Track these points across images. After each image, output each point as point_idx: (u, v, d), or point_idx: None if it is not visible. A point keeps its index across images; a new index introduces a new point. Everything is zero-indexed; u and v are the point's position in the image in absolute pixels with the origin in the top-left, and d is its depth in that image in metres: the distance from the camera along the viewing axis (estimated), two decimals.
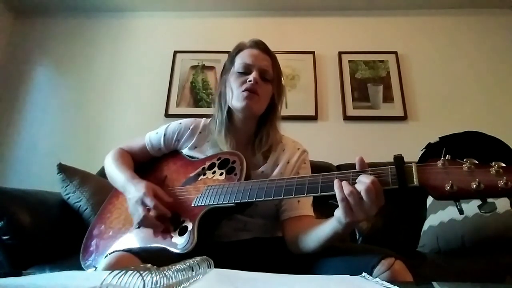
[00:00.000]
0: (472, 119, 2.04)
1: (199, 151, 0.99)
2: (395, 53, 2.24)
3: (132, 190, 0.87)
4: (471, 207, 1.10)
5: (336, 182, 0.64)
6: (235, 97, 0.94)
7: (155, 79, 2.26)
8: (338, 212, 0.65)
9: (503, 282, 1.04)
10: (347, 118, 2.10)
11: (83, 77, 2.29)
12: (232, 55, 1.01)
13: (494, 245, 1.16)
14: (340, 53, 2.25)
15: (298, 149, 1.00)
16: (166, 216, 0.82)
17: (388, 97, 2.14)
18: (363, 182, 0.61)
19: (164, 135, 1.03)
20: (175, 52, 2.30)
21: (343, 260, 0.70)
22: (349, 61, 2.24)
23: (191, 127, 1.02)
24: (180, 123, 1.04)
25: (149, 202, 0.82)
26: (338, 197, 0.63)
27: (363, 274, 0.58)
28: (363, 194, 0.60)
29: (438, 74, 2.19)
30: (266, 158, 0.97)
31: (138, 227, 0.86)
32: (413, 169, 0.59)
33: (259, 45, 0.99)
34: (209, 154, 0.96)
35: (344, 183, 0.63)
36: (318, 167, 1.39)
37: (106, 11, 2.42)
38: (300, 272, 0.60)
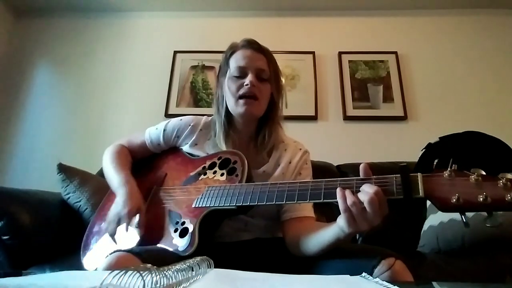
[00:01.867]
0: (472, 119, 2.04)
1: (200, 149, 0.98)
2: (395, 53, 2.24)
3: (119, 200, 0.88)
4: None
5: (339, 191, 0.63)
6: (234, 104, 0.93)
7: (155, 79, 2.26)
8: (341, 221, 0.64)
9: (503, 282, 1.04)
10: (347, 118, 2.10)
11: (83, 77, 2.29)
12: (226, 57, 0.99)
13: (494, 245, 1.16)
14: (340, 53, 2.25)
15: (300, 149, 1.00)
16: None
17: (388, 97, 2.14)
18: (367, 192, 0.60)
19: (164, 130, 1.02)
20: (175, 52, 2.30)
21: (343, 260, 0.70)
22: (349, 61, 2.24)
23: (191, 124, 1.01)
24: (181, 119, 1.04)
25: (124, 225, 0.84)
26: (341, 207, 0.62)
27: (364, 274, 0.58)
28: (366, 204, 0.59)
29: (438, 74, 2.19)
30: (268, 157, 0.97)
31: (138, 227, 0.86)
32: (419, 180, 0.58)
33: (252, 45, 0.97)
34: (209, 152, 0.95)
35: (347, 192, 0.62)
36: (318, 167, 1.40)
37: (106, 11, 2.42)
38: (300, 272, 0.60)
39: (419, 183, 0.58)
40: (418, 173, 0.59)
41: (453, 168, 0.56)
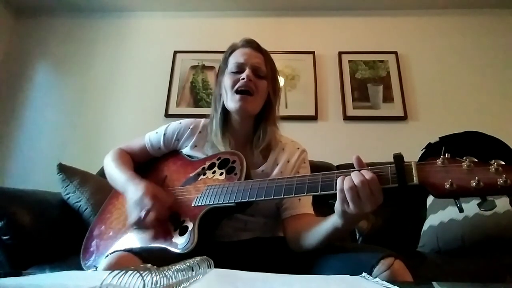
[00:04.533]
0: (472, 119, 2.04)
1: (199, 151, 0.99)
2: (395, 53, 2.24)
3: (132, 190, 0.86)
4: (471, 207, 1.10)
5: (339, 178, 0.65)
6: (229, 99, 0.95)
7: (155, 79, 2.26)
8: (337, 204, 0.66)
9: (503, 282, 1.04)
10: (347, 118, 2.10)
11: (83, 77, 2.29)
12: (225, 57, 1.02)
13: (494, 245, 1.16)
14: (340, 53, 2.25)
15: (298, 148, 1.00)
16: (163, 219, 0.82)
17: (388, 97, 2.14)
18: (358, 174, 0.63)
19: (164, 134, 1.03)
20: (175, 52, 2.30)
21: (343, 260, 0.70)
22: (349, 61, 2.24)
23: (191, 127, 1.02)
24: (180, 123, 1.05)
25: (147, 203, 0.81)
26: (338, 187, 0.64)
27: (363, 274, 0.58)
28: (358, 186, 0.61)
29: (438, 74, 2.19)
30: (266, 157, 0.97)
31: (138, 227, 0.86)
32: (413, 168, 0.59)
33: (251, 44, 1.00)
34: (208, 154, 0.96)
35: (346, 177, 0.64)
36: (318, 167, 1.39)
37: (106, 11, 2.42)
38: (300, 272, 0.60)
39: (413, 170, 0.59)
40: (412, 161, 0.60)
41: (446, 156, 0.57)
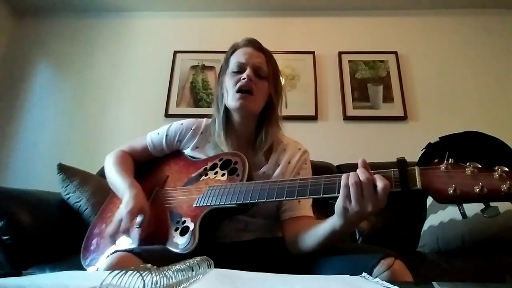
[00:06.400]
0: (472, 119, 2.04)
1: (201, 152, 0.99)
2: (395, 53, 2.24)
3: (124, 202, 0.86)
4: (471, 207, 1.10)
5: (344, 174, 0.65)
6: (230, 98, 0.95)
7: (155, 79, 2.26)
8: (338, 200, 0.65)
9: (503, 282, 1.04)
10: (347, 118, 2.10)
11: (83, 77, 2.29)
12: (227, 56, 1.02)
13: (494, 245, 1.16)
14: (340, 53, 2.25)
15: (299, 149, 1.00)
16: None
17: (388, 97, 2.14)
18: (355, 174, 0.64)
19: (166, 135, 1.03)
20: (175, 52, 2.30)
21: (343, 260, 0.70)
22: (349, 61, 2.24)
23: (192, 128, 1.02)
24: (182, 123, 1.04)
25: (124, 224, 0.82)
26: (342, 183, 0.64)
27: (363, 274, 0.58)
28: (363, 182, 0.61)
29: (438, 74, 2.19)
30: (267, 159, 0.97)
31: (139, 227, 0.86)
32: (416, 173, 0.59)
33: (253, 43, 0.99)
34: (210, 155, 0.96)
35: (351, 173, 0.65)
36: (318, 167, 1.40)
37: (106, 11, 2.42)
38: (300, 272, 0.60)
39: (417, 175, 0.59)
40: (416, 166, 0.60)
41: (449, 161, 0.57)
